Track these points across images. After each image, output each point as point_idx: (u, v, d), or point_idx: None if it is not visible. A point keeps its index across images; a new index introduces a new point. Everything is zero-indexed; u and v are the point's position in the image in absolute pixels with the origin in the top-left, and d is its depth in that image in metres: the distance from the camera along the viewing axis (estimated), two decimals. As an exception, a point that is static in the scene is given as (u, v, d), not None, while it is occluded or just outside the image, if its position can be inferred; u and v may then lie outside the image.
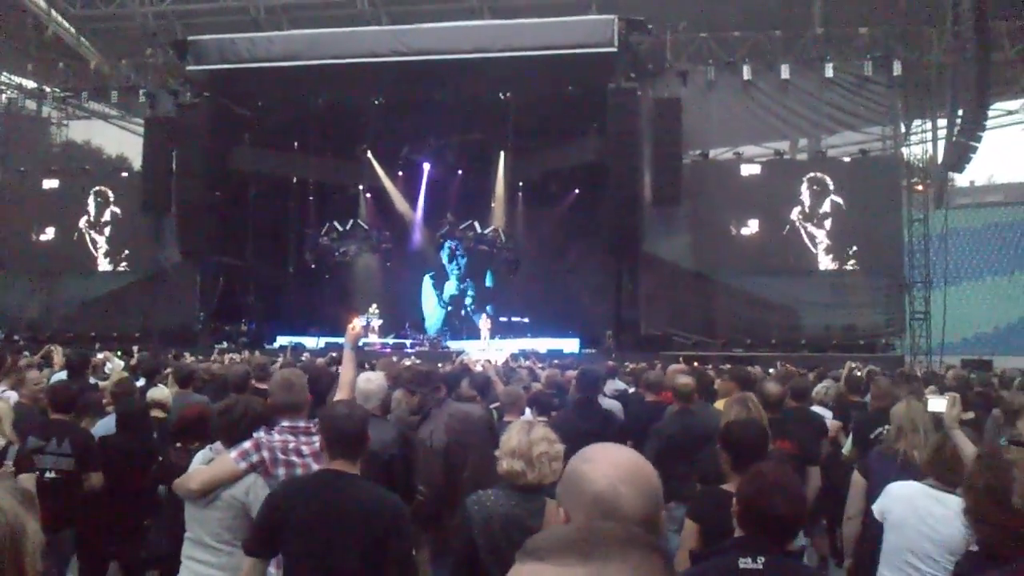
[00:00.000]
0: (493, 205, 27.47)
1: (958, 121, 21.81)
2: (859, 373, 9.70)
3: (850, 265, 21.75)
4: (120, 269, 25.15)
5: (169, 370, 8.61)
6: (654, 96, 22.12)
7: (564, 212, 26.80)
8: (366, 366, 10.87)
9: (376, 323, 24.66)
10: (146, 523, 5.13)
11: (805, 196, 22.01)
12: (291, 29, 25.56)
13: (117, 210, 25.20)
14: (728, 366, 11.71)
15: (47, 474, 5.08)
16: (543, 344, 22.61)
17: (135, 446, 5.64)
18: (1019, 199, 36.66)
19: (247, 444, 3.91)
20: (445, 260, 28.37)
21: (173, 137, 23.47)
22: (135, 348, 14.86)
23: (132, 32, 28.04)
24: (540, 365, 12.90)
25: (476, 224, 26.35)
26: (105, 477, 5.45)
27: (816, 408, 7.47)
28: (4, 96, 28.84)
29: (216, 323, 24.35)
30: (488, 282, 28.49)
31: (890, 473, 4.41)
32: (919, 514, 3.68)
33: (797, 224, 22.00)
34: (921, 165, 25.04)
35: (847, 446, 6.59)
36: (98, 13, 28.33)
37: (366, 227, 27.48)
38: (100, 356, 11.03)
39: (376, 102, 24.83)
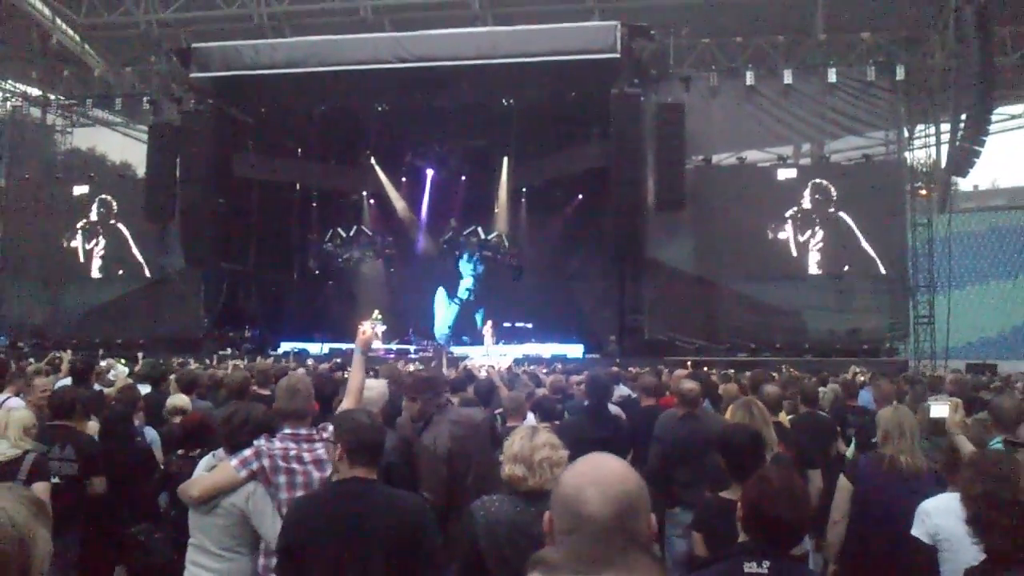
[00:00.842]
0: (496, 211, 27.50)
1: (961, 125, 21.77)
2: (862, 378, 9.71)
3: (854, 270, 21.70)
4: (124, 276, 25.14)
5: (172, 376, 8.61)
6: (657, 102, 22.13)
7: (567, 217, 26.83)
8: (369, 372, 10.91)
9: (380, 329, 24.62)
10: (136, 529, 5.12)
11: (807, 201, 21.97)
12: (294, 36, 25.59)
13: (121, 217, 25.21)
14: (736, 371, 11.68)
15: (52, 479, 5.08)
16: (547, 349, 22.62)
17: (118, 453, 5.63)
18: (1022, 203, 36.61)
19: (247, 452, 3.91)
20: (464, 260, 28.26)
21: (177, 144, 23.50)
22: (140, 355, 14.90)
23: (136, 40, 28.10)
24: (544, 371, 12.90)
25: (479, 230, 26.38)
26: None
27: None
28: (9, 104, 28.93)
29: (220, 329, 24.37)
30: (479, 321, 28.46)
31: (877, 478, 4.39)
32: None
33: (802, 228, 21.97)
34: (925, 170, 25.03)
35: (850, 450, 6.58)
36: (102, 21, 28.39)
37: (370, 233, 27.53)
38: (104, 363, 11.03)
39: (379, 108, 24.90)
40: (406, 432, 5.40)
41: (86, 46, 30.16)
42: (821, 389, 9.07)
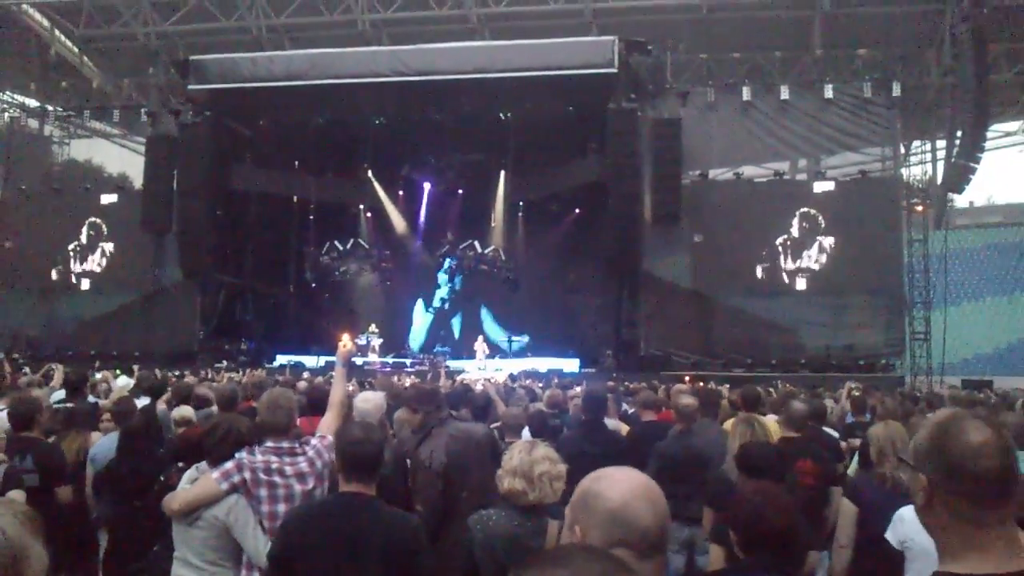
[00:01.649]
0: (493, 225, 27.51)
1: (957, 142, 21.86)
2: (857, 393, 9.69)
3: (850, 285, 21.72)
4: (120, 288, 25.07)
5: (169, 389, 8.58)
6: (654, 117, 22.16)
7: (564, 232, 26.83)
8: (365, 385, 10.90)
9: (376, 342, 24.66)
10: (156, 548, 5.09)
11: (804, 227, 22.01)
12: (292, 49, 25.68)
13: (117, 229, 25.18)
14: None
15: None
16: (543, 363, 22.57)
17: (137, 468, 5.59)
18: (1018, 220, 36.67)
19: (229, 464, 3.90)
20: (442, 273, 28.30)
21: (174, 156, 23.52)
22: (135, 367, 14.85)
23: (134, 52, 28.20)
24: (539, 384, 12.87)
25: (476, 244, 26.39)
26: (115, 500, 5.41)
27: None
28: (7, 115, 28.93)
29: (216, 342, 24.32)
30: (456, 331, 28.48)
31: (881, 498, 4.29)
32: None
33: (798, 243, 22.01)
34: (920, 186, 25.08)
35: (852, 467, 6.54)
36: (101, 33, 28.48)
37: (366, 246, 27.52)
38: (99, 375, 11.00)
39: (377, 122, 24.94)
40: (402, 446, 5.39)
41: (84, 58, 30.25)
42: (829, 404, 9.05)
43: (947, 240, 25.05)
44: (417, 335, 28.84)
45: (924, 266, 22.57)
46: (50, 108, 27.67)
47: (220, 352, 23.79)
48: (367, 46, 25.00)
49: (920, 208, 24.23)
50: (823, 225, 21.93)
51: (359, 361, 22.39)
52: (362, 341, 23.87)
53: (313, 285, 27.70)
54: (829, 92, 22.00)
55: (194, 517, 3.85)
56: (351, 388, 8.58)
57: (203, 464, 4.20)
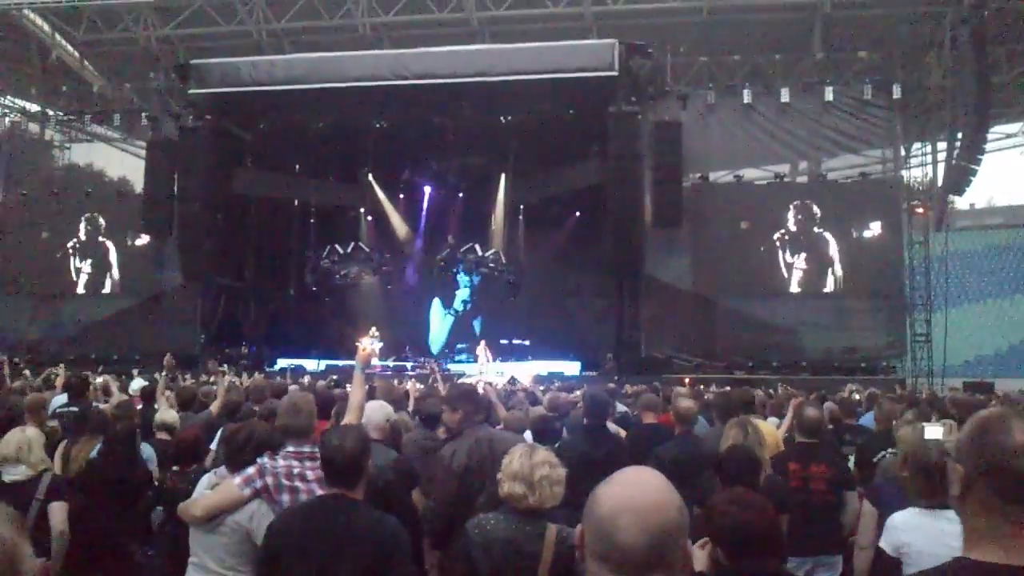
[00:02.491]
0: (494, 228, 27.51)
1: (958, 144, 21.87)
2: (858, 396, 9.69)
3: (851, 288, 21.72)
4: (120, 292, 25.07)
5: (168, 393, 8.60)
6: (654, 119, 22.16)
7: (565, 235, 26.84)
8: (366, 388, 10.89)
9: (376, 346, 24.61)
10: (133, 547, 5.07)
11: (800, 219, 22.01)
12: (293, 53, 25.68)
13: (118, 233, 25.18)
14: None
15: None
16: (544, 367, 22.54)
17: (116, 471, 5.57)
18: (1019, 221, 36.71)
19: (251, 470, 3.91)
20: (459, 280, 28.23)
21: (175, 160, 23.51)
22: (135, 371, 14.85)
23: (135, 56, 28.20)
24: (541, 388, 12.85)
25: (477, 247, 26.37)
26: (88, 501, 5.39)
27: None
28: (8, 119, 28.98)
29: (217, 345, 24.31)
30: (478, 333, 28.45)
31: (902, 502, 4.25)
32: (942, 539, 3.61)
33: (798, 246, 22.01)
34: (921, 188, 25.10)
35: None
36: (102, 37, 28.51)
37: (367, 250, 27.49)
38: (100, 380, 11.01)
39: (377, 125, 24.94)
40: (417, 449, 5.43)
41: (85, 62, 30.29)
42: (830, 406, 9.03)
43: (948, 242, 25.11)
44: (437, 338, 28.80)
45: (925, 268, 22.59)
46: (51, 112, 27.68)
47: (221, 356, 23.76)
48: (368, 50, 25.00)
49: (921, 210, 24.25)
50: (819, 215, 21.93)
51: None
52: (373, 344, 23.86)
53: (314, 289, 27.67)
54: (830, 94, 22.00)
55: (216, 523, 3.84)
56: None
57: (221, 469, 4.21)
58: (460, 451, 4.79)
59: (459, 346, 26.72)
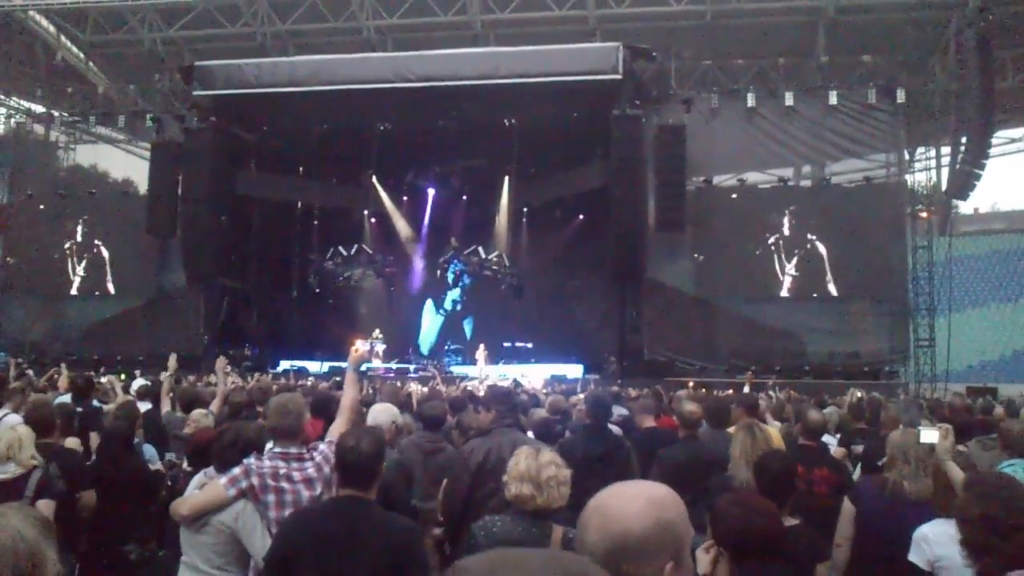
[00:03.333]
0: (497, 230, 27.55)
1: (962, 149, 21.84)
2: (856, 400, 9.66)
3: (854, 292, 21.69)
4: (124, 293, 25.07)
5: (172, 394, 8.59)
6: (658, 123, 22.17)
7: (568, 238, 26.85)
8: (369, 390, 10.91)
9: (380, 348, 24.65)
10: (129, 547, 5.07)
11: (794, 224, 22.01)
12: (297, 55, 25.71)
13: (121, 234, 25.19)
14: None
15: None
16: (547, 370, 22.53)
17: (114, 470, 5.58)
18: (1023, 226, 36.66)
19: (237, 470, 3.92)
20: (449, 279, 28.30)
21: (179, 162, 23.57)
22: (137, 372, 14.87)
23: (140, 58, 28.24)
24: (545, 391, 12.85)
25: (480, 249, 26.38)
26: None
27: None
28: (13, 120, 29.02)
29: (220, 347, 24.30)
30: (468, 334, 28.43)
31: (877, 502, 4.37)
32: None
33: (804, 250, 21.98)
34: (925, 192, 25.09)
35: (855, 473, 6.53)
36: (107, 39, 28.56)
37: (370, 252, 27.52)
38: (104, 380, 11.03)
39: (381, 128, 24.95)
40: (416, 450, 5.44)
41: (90, 63, 30.34)
42: (824, 412, 9.01)
43: (952, 246, 25.04)
44: (427, 337, 28.86)
45: (929, 273, 22.53)
46: (56, 113, 27.69)
47: (224, 357, 23.70)
48: (372, 52, 25.04)
49: (925, 214, 24.24)
50: (812, 221, 21.91)
51: (363, 367, 22.34)
52: (366, 345, 23.85)
53: (317, 291, 27.70)
54: (833, 98, 21.97)
55: (202, 522, 3.87)
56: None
57: (211, 470, 4.24)
58: (478, 450, 4.80)
59: (448, 347, 26.74)
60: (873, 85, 22.28)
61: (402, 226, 28.79)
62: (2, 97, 30.65)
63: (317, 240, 28.05)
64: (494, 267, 26.39)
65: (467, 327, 28.67)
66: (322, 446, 4.13)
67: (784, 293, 22.01)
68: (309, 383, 14.72)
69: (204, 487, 4.07)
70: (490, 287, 27.35)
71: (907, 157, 24.37)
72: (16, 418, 6.56)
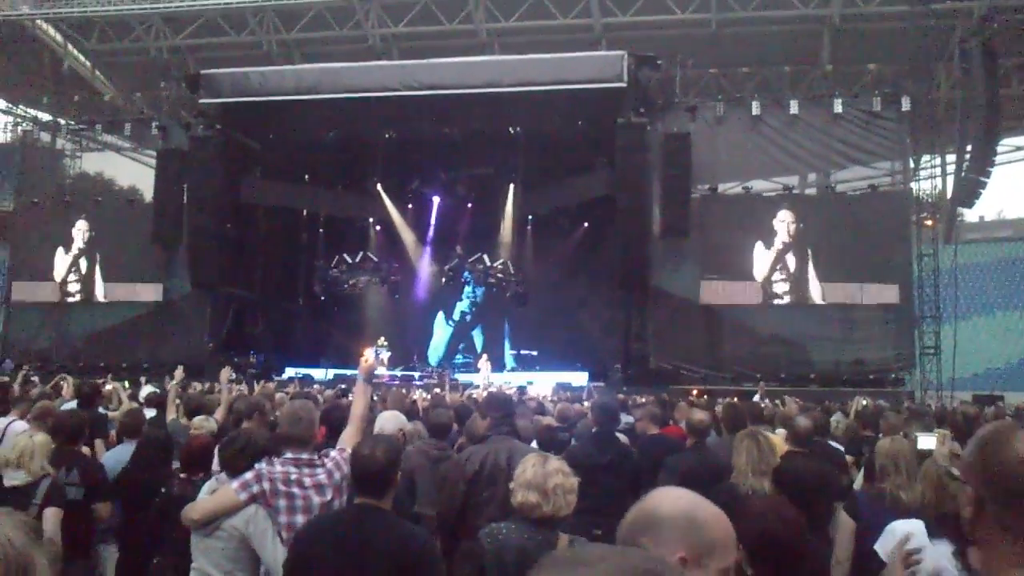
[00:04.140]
0: (502, 238, 27.54)
1: (967, 156, 21.82)
2: (861, 408, 9.64)
3: (859, 300, 21.64)
4: (130, 300, 25.10)
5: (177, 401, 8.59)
6: (663, 131, 22.15)
7: (573, 246, 26.85)
8: (374, 397, 10.91)
9: (385, 355, 24.61)
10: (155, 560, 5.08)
11: (812, 231, 21.99)
12: (303, 63, 25.81)
13: (126, 241, 25.22)
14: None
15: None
16: (552, 377, 22.49)
17: (151, 478, 5.57)
18: (1029, 234, 36.60)
19: (248, 475, 3.94)
20: (464, 289, 28.29)
21: (185, 169, 23.58)
22: (142, 379, 14.88)
23: (146, 66, 28.40)
24: (552, 399, 12.84)
25: (485, 257, 26.39)
26: (127, 510, 5.42)
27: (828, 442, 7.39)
28: (20, 128, 29.13)
29: (225, 354, 24.31)
30: (479, 344, 28.43)
31: (879, 515, 4.19)
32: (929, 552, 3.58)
33: (809, 258, 21.96)
34: (930, 200, 25.06)
35: (858, 480, 6.51)
36: (113, 47, 28.74)
37: (375, 259, 27.53)
38: (109, 387, 11.04)
39: (387, 136, 25.01)
40: (415, 459, 5.43)
41: (97, 72, 30.49)
42: (831, 419, 8.98)
43: (957, 254, 25.01)
44: (437, 347, 28.87)
45: (934, 280, 22.49)
46: (62, 121, 27.81)
47: (229, 365, 23.70)
48: (377, 60, 25.11)
49: (930, 222, 24.21)
50: (817, 228, 21.90)
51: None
52: (376, 355, 23.87)
53: (322, 298, 27.71)
54: (838, 106, 21.96)
55: (213, 527, 3.88)
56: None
57: (222, 475, 4.24)
58: (474, 456, 4.80)
59: (457, 358, 26.75)
60: (878, 93, 22.25)
61: (407, 234, 28.80)
62: (9, 105, 30.80)
63: (322, 248, 28.09)
64: (499, 275, 26.38)
65: (477, 338, 28.65)
66: (333, 453, 4.15)
67: (789, 301, 21.98)
68: (315, 390, 14.67)
69: (215, 492, 4.08)
70: (495, 295, 27.36)
71: (912, 165, 24.37)
72: (22, 425, 6.58)
